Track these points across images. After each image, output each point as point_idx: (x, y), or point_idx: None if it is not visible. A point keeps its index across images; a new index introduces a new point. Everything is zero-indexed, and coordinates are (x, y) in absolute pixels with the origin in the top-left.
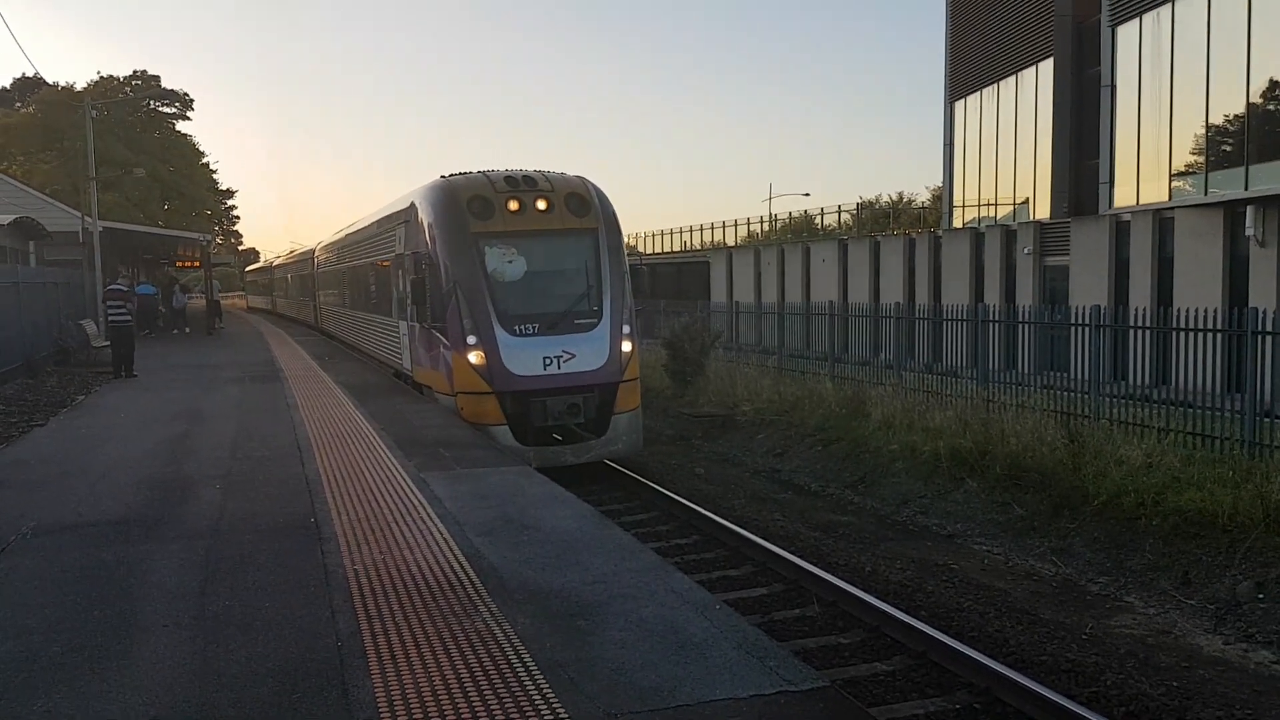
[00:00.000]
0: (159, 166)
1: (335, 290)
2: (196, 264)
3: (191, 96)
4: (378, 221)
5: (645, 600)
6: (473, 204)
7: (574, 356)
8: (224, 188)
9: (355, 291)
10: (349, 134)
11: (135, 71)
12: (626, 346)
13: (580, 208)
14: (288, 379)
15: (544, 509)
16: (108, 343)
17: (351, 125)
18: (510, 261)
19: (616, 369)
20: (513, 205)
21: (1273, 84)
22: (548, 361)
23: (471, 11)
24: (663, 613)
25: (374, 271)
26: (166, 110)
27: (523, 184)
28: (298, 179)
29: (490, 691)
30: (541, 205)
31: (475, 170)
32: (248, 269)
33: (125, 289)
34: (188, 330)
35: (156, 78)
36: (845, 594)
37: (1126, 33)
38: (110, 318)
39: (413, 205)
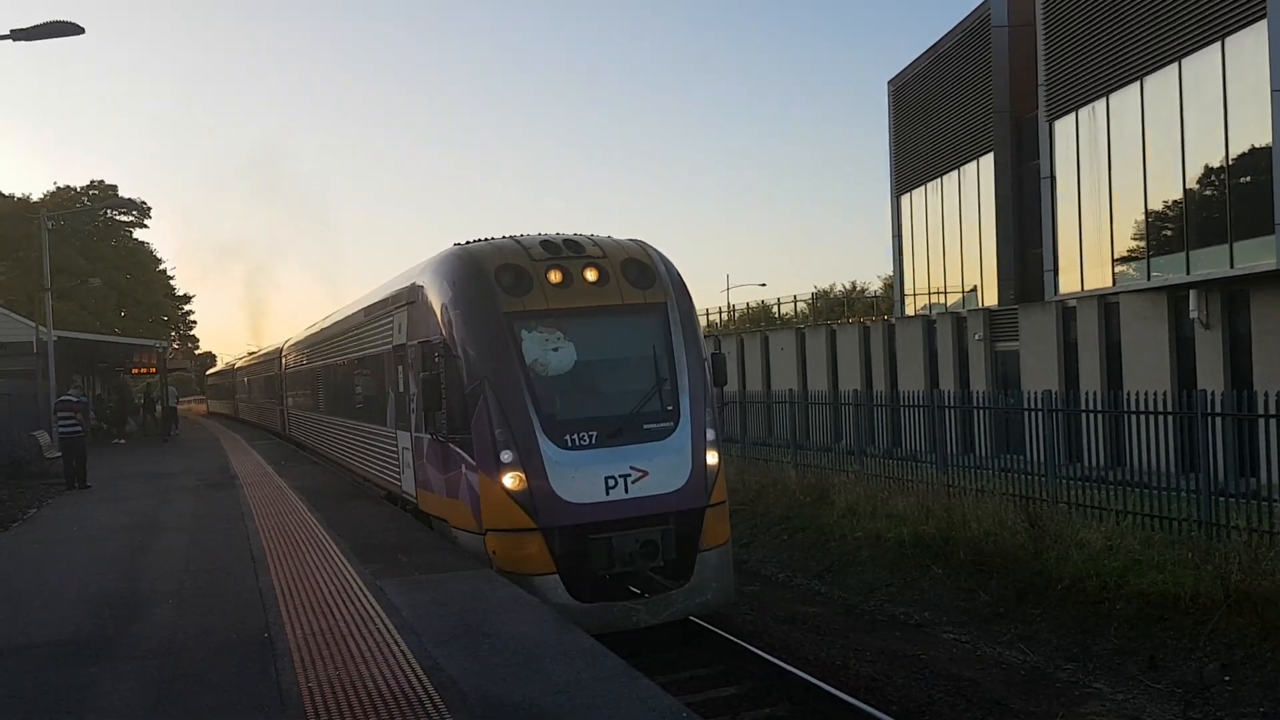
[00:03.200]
0: (115, 274)
1: (308, 393)
2: (153, 370)
3: (149, 205)
4: (367, 309)
5: (610, 709)
6: (503, 276)
7: (646, 475)
8: (181, 293)
9: (334, 394)
10: (315, 230)
11: (92, 181)
12: (712, 458)
13: (642, 277)
14: (243, 485)
15: (505, 615)
16: (60, 454)
17: (317, 221)
18: (555, 349)
19: (701, 489)
20: (555, 276)
21: (1208, 171)
22: (612, 483)
23: (405, 115)
24: None
25: (361, 369)
26: (123, 219)
27: (565, 249)
28: (261, 280)
29: None
30: (591, 276)
31: (498, 235)
32: (208, 372)
33: (75, 399)
34: (123, 441)
35: (114, 187)
36: (816, 690)
37: (1063, 126)
38: (60, 429)
39: (417, 284)
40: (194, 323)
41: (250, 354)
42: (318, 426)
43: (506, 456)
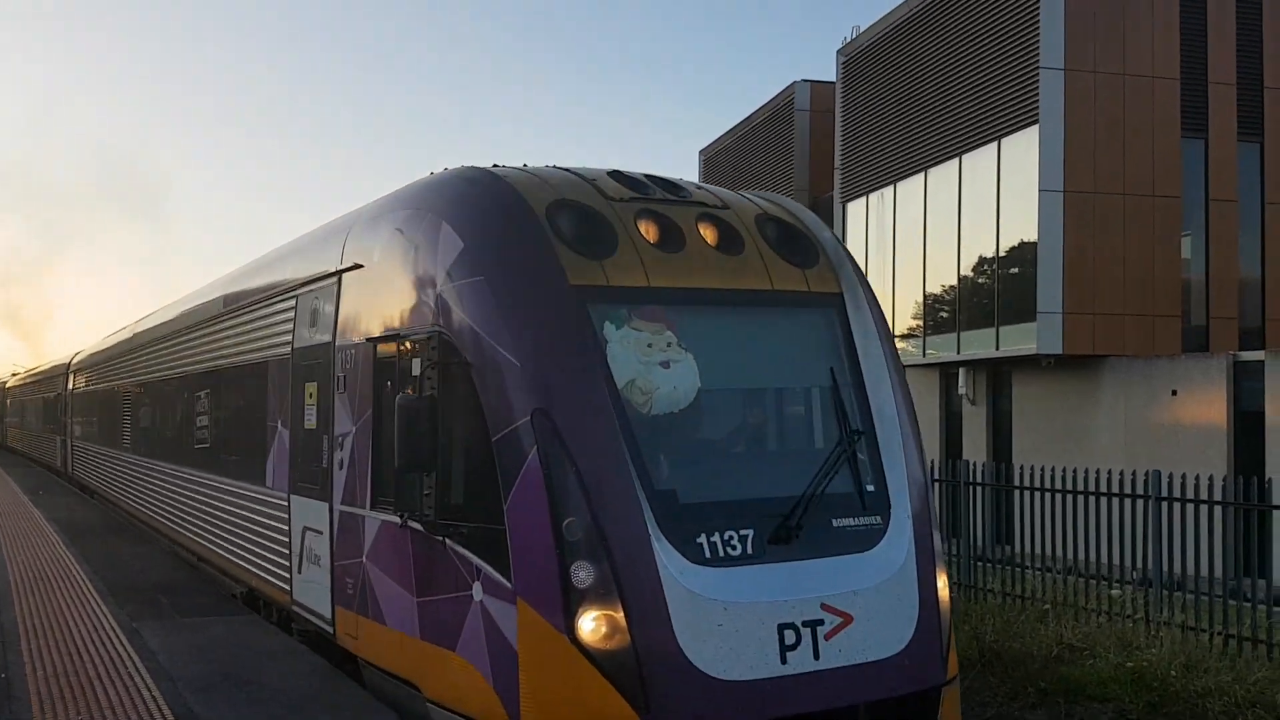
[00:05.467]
0: None
1: (108, 422)
2: None
3: None
4: (229, 298)
5: None
6: (561, 220)
7: (849, 622)
8: None
9: (158, 427)
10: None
11: None
12: (941, 583)
13: (793, 246)
14: None
15: (272, 663)
16: None
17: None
18: (666, 364)
19: (936, 649)
20: (649, 231)
21: (981, 260)
22: (790, 638)
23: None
24: None
25: (215, 390)
26: None
27: (657, 190)
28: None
29: None
30: (709, 235)
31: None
32: None
33: None
34: None
35: None
36: None
37: (855, 209)
38: None
39: (368, 241)
40: None
41: (15, 374)
42: (123, 471)
43: (584, 575)
